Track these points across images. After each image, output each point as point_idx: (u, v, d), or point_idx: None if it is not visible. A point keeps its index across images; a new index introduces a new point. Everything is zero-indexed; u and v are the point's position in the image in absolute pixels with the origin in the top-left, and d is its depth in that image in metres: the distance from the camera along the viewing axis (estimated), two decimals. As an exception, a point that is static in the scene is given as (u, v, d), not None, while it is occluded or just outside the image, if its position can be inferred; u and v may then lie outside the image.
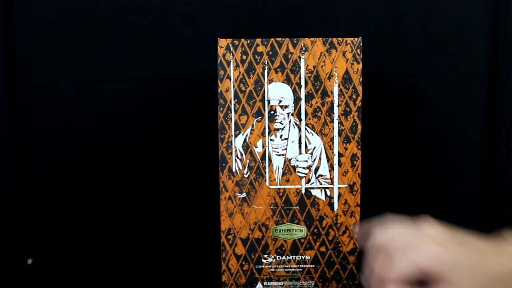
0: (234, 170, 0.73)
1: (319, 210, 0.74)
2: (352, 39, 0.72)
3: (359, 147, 0.73)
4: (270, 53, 0.72)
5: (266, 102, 0.72)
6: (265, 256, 0.75)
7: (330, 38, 0.72)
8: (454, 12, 0.87)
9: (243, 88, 0.72)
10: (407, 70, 0.88)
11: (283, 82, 0.72)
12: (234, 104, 0.72)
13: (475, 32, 0.88)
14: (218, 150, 0.73)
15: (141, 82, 0.87)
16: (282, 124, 0.73)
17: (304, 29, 0.86)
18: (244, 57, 0.72)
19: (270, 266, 0.75)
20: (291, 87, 0.72)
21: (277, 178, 0.73)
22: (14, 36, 0.86)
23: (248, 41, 0.72)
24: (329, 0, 0.86)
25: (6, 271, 0.88)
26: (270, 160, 0.73)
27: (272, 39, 0.72)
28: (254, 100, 0.72)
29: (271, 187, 0.73)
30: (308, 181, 0.73)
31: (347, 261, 0.75)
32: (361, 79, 0.72)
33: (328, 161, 0.73)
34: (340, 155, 0.73)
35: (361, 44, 0.72)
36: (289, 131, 0.73)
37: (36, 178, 0.88)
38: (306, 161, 0.73)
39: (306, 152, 0.73)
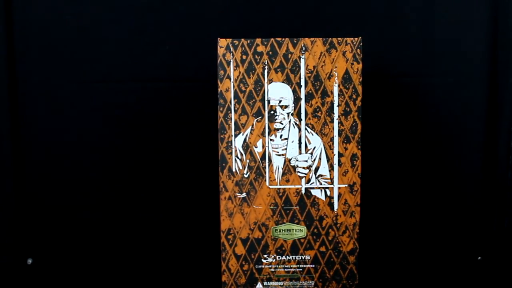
0: (234, 170, 0.73)
1: (319, 210, 0.74)
2: (352, 39, 0.72)
3: (359, 147, 0.73)
4: (270, 53, 0.72)
5: (266, 102, 0.72)
6: (265, 256, 0.75)
7: (330, 38, 0.72)
8: (454, 12, 0.87)
9: (243, 88, 0.72)
10: (407, 70, 0.88)
11: (283, 82, 0.72)
12: (234, 104, 0.72)
13: (475, 32, 0.88)
14: (218, 150, 0.73)
15: (141, 82, 0.87)
16: (282, 124, 0.73)
17: (304, 29, 0.86)
18: (244, 57, 0.72)
19: (270, 266, 0.75)
20: (291, 87, 0.72)
21: (277, 178, 0.73)
22: (14, 36, 0.86)
23: (248, 41, 0.72)
24: (329, 0, 0.86)
25: (6, 271, 0.88)
26: (270, 160, 0.73)
27: (272, 39, 0.72)
28: (254, 100, 0.72)
29: (271, 187, 0.73)
30: (308, 181, 0.73)
31: (347, 261, 0.75)
32: (361, 79, 0.72)
33: (328, 161, 0.73)
34: (340, 155, 0.73)
35: (361, 44, 0.72)
36: (289, 131, 0.73)
37: (36, 178, 0.88)
38: (306, 161, 0.73)
39: (306, 152, 0.73)
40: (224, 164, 0.73)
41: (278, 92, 0.72)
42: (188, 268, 0.90)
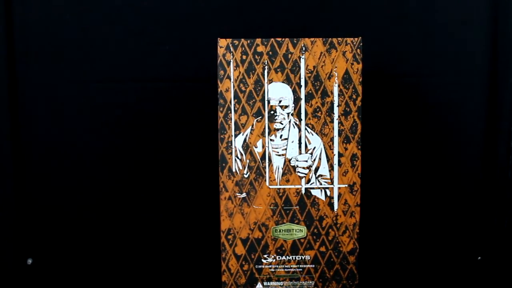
0: (234, 170, 0.73)
1: (319, 210, 0.74)
2: (352, 39, 0.72)
3: (359, 147, 0.73)
4: (270, 53, 0.72)
5: (266, 102, 0.72)
6: (265, 256, 0.75)
7: (330, 38, 0.72)
8: (454, 12, 0.87)
9: (243, 88, 0.72)
10: (407, 70, 0.88)
11: (283, 82, 0.72)
12: (234, 104, 0.72)
13: (475, 32, 0.88)
14: (218, 150, 0.73)
15: (141, 82, 0.87)
16: (282, 124, 0.73)
17: (304, 29, 0.86)
18: (244, 57, 0.72)
19: (270, 266, 0.75)
20: (291, 87, 0.72)
21: (277, 178, 0.73)
22: (14, 36, 0.86)
23: (248, 41, 0.72)
24: (329, 0, 0.86)
25: (6, 271, 0.88)
26: (270, 160, 0.73)
27: (272, 39, 0.72)
28: (254, 100, 0.72)
29: (271, 187, 0.73)
30: (308, 181, 0.73)
31: (347, 261, 0.75)
32: (361, 79, 0.72)
33: (328, 161, 0.73)
34: (340, 155, 0.73)
35: (361, 44, 0.72)
36: (289, 131, 0.73)
37: (36, 179, 0.88)
38: (306, 161, 0.73)
39: (306, 152, 0.73)
40: (224, 164, 0.73)
41: (278, 92, 0.72)
42: (188, 268, 0.90)
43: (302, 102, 0.72)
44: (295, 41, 0.72)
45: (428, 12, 0.87)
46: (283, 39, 0.72)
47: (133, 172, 0.89)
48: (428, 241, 0.91)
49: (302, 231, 0.74)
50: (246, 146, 0.73)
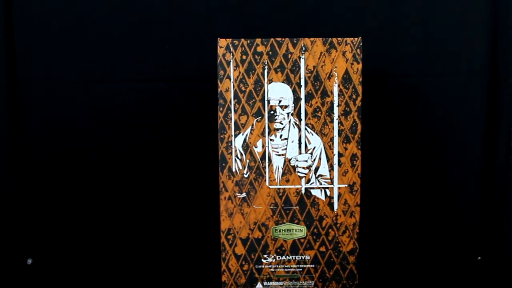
0: (234, 170, 0.73)
1: (319, 210, 0.74)
2: (352, 39, 0.72)
3: (359, 147, 0.73)
4: (270, 53, 0.72)
5: (266, 102, 0.72)
6: (265, 256, 0.75)
7: (330, 38, 0.72)
8: (454, 12, 0.87)
9: (243, 88, 0.72)
10: (407, 70, 0.88)
11: (283, 82, 0.72)
12: (234, 104, 0.72)
13: (475, 32, 0.88)
14: (218, 150, 0.73)
15: (141, 82, 0.87)
16: (282, 124, 0.73)
17: (304, 29, 0.86)
18: (244, 57, 0.72)
19: (270, 266, 0.75)
20: (291, 87, 0.72)
21: (277, 178, 0.73)
22: (14, 35, 0.86)
23: (248, 41, 0.72)
24: (329, 0, 0.87)
25: (6, 271, 0.88)
26: (270, 160, 0.73)
27: (272, 39, 0.72)
28: (254, 100, 0.72)
29: (271, 187, 0.73)
30: (308, 181, 0.73)
31: (347, 261, 0.75)
32: (361, 79, 0.72)
33: (328, 161, 0.73)
34: (340, 155, 0.73)
35: (361, 44, 0.72)
36: (289, 131, 0.73)
37: (36, 178, 0.88)
38: (306, 161, 0.73)
39: (306, 152, 0.73)
40: (224, 164, 0.73)
41: (278, 92, 0.72)
42: (188, 268, 0.90)
43: (302, 102, 0.72)
44: (295, 41, 0.72)
45: (428, 12, 0.87)
46: (283, 39, 0.72)
47: (133, 172, 0.89)
48: (428, 241, 0.91)
49: (302, 231, 0.74)
50: (246, 146, 0.73)
